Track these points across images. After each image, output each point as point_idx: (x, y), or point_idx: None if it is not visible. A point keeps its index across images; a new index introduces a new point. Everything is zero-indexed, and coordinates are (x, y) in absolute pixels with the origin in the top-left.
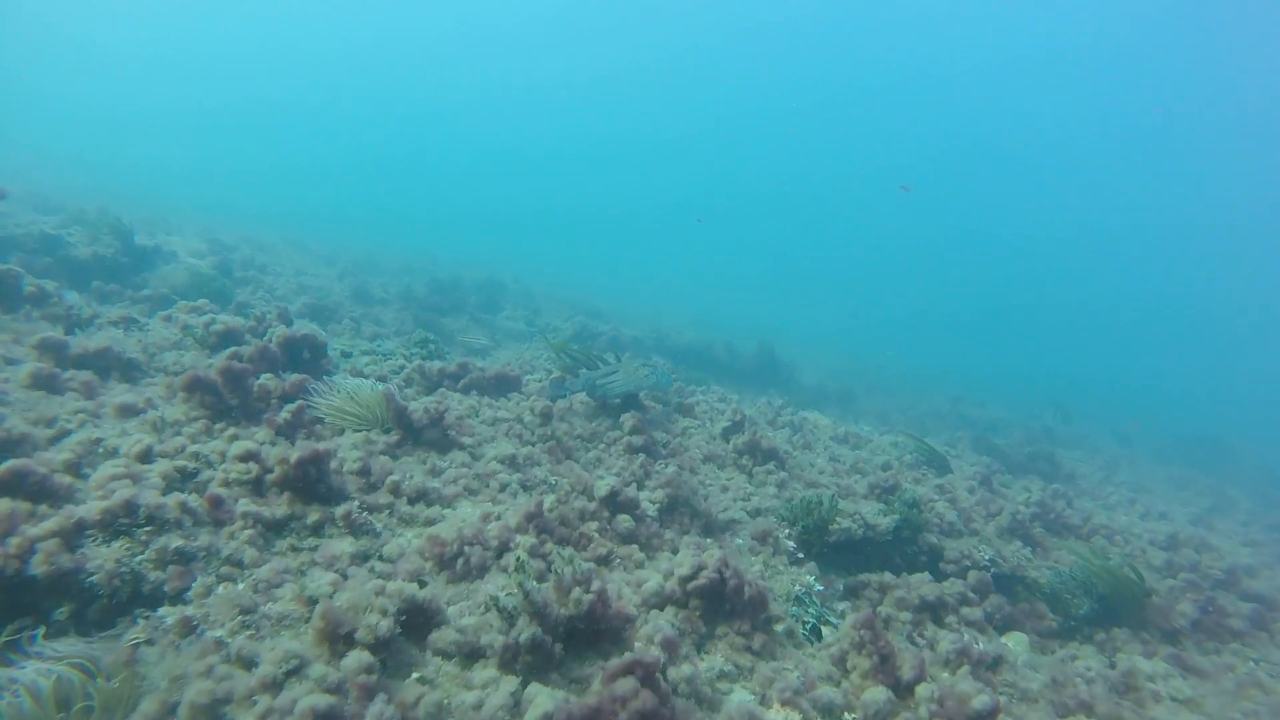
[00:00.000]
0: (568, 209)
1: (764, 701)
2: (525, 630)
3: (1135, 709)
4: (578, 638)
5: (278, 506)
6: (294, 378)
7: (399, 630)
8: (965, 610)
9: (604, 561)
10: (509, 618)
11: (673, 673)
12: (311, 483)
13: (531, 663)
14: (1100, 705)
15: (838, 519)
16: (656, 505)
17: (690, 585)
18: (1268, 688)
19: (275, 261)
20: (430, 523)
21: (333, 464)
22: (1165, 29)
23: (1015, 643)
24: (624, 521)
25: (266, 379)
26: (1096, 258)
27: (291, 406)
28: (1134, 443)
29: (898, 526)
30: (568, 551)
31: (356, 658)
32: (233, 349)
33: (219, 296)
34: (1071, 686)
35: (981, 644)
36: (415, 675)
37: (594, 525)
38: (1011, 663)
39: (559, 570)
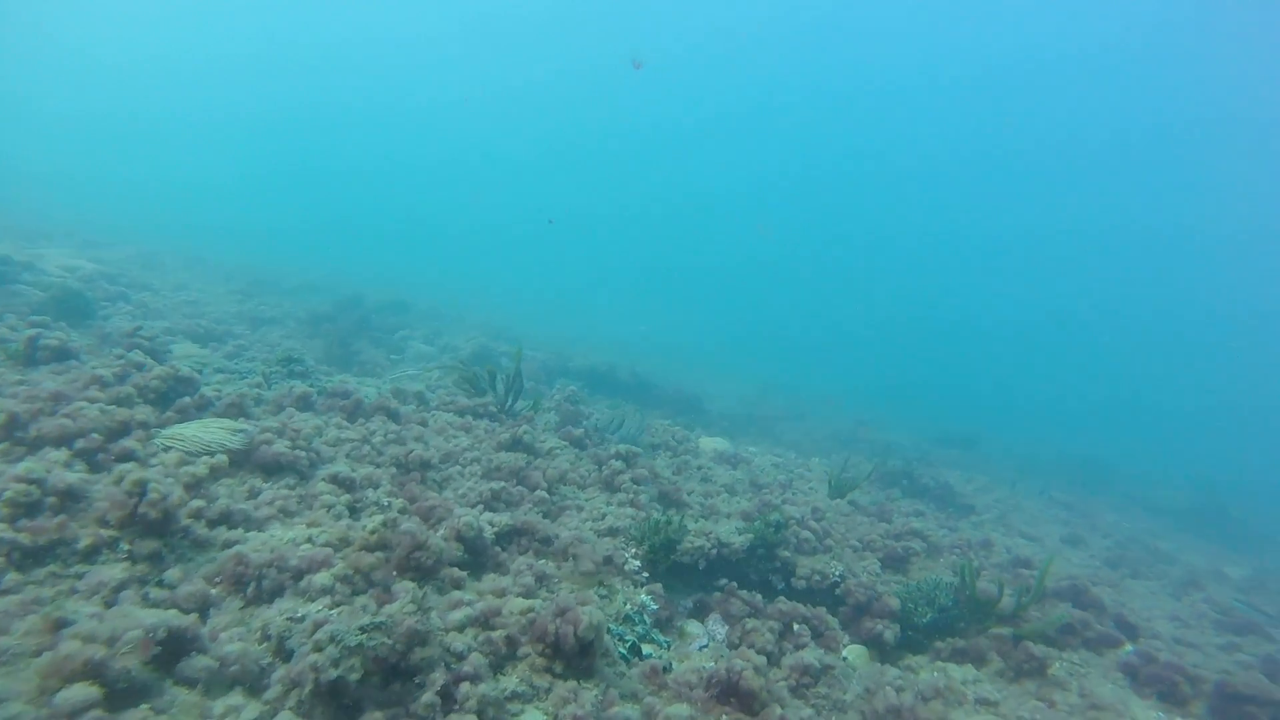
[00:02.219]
0: (476, 226)
1: None
2: (354, 673)
3: (940, 710)
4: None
5: (42, 533)
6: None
7: (144, 661)
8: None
9: (417, 582)
10: (349, 653)
11: (464, 688)
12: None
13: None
14: (906, 710)
15: (689, 538)
16: (496, 529)
17: (499, 620)
18: (1065, 686)
19: (159, 278)
20: (228, 545)
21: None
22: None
23: (854, 655)
24: (455, 549)
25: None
26: (1001, 277)
27: (97, 438)
28: (1026, 467)
29: (753, 545)
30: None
31: (79, 692)
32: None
33: (82, 314)
34: (881, 694)
35: (816, 658)
36: (144, 705)
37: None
38: (834, 674)
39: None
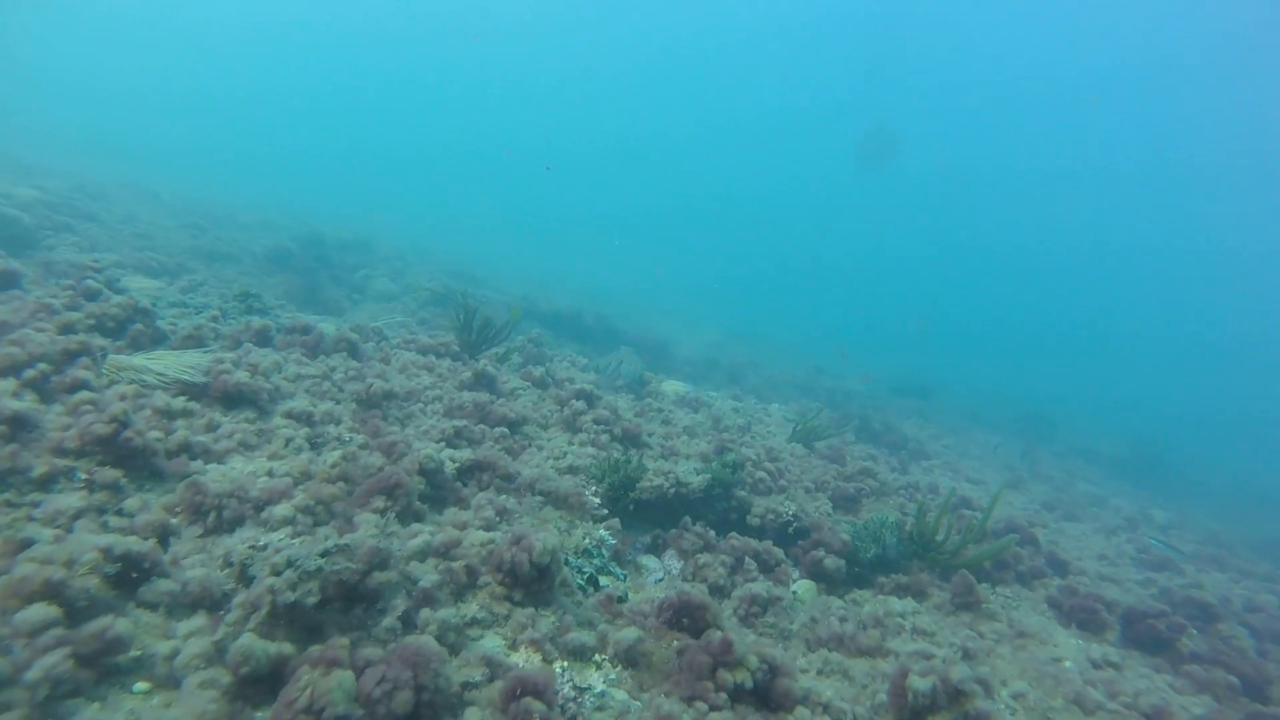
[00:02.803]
0: (439, 162)
1: (513, 646)
2: (311, 596)
3: (877, 639)
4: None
5: None
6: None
7: (101, 581)
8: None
9: (380, 513)
10: (307, 577)
11: (424, 614)
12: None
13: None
14: (847, 638)
15: (648, 477)
16: (457, 464)
17: (459, 551)
18: (997, 617)
19: (105, 209)
20: (188, 477)
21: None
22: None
23: (803, 589)
24: (417, 481)
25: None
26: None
27: (45, 367)
28: (978, 418)
29: (710, 484)
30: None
31: (38, 611)
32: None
33: (23, 243)
34: (825, 623)
35: (766, 590)
36: (107, 617)
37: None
38: (782, 605)
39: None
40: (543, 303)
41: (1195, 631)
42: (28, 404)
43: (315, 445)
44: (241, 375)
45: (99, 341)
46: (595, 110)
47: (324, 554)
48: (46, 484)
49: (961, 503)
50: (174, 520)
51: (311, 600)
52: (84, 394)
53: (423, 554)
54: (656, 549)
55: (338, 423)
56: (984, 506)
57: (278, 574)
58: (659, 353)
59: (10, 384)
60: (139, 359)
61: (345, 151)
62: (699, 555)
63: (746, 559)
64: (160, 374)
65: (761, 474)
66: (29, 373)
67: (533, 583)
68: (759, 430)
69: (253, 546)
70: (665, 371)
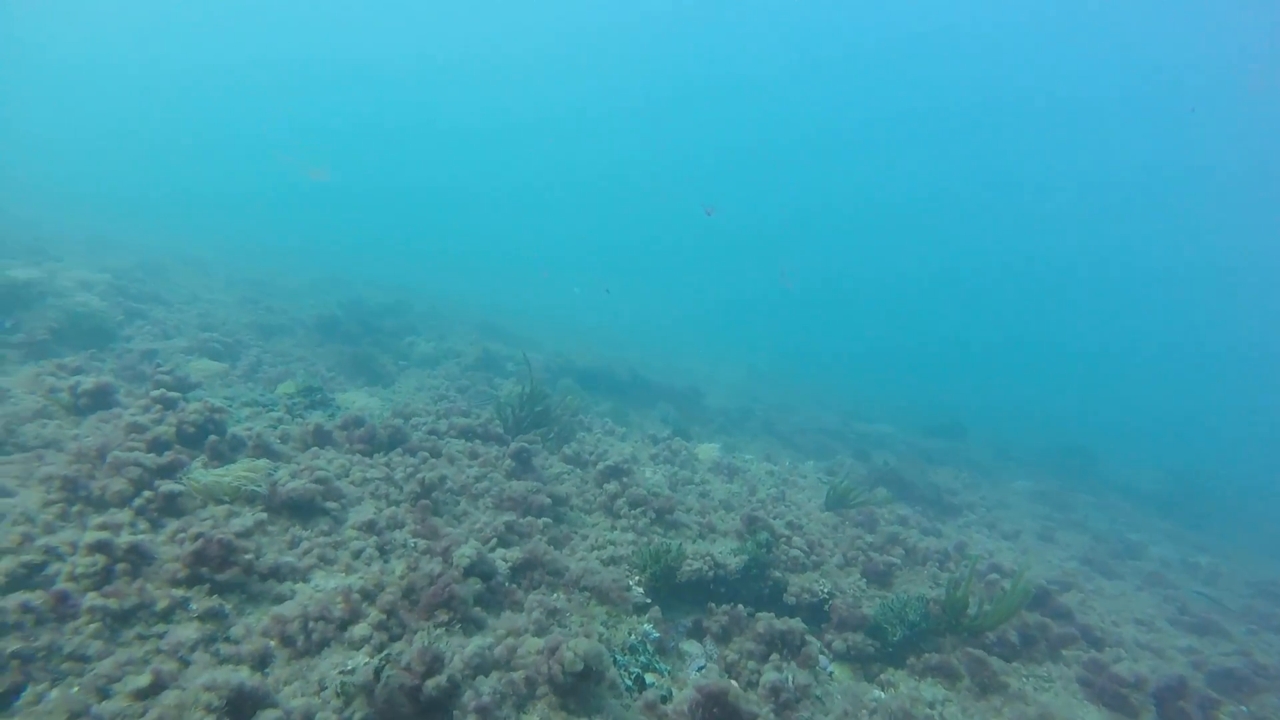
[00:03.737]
0: (462, 206)
1: None
2: (359, 713)
3: None
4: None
5: (126, 597)
6: (163, 456)
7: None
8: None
9: (444, 625)
10: (348, 698)
11: None
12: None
13: None
14: None
15: (688, 562)
16: (509, 564)
17: (518, 660)
18: (1026, 700)
19: (169, 289)
20: (280, 599)
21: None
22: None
23: (838, 670)
24: (474, 583)
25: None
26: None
27: (149, 494)
28: (1011, 455)
29: (746, 565)
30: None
31: None
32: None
33: (102, 336)
34: (856, 718)
35: (793, 678)
36: None
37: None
38: (816, 696)
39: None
40: (577, 359)
41: (1245, 709)
42: (142, 535)
43: (384, 552)
44: (298, 484)
45: (185, 455)
46: (610, 144)
47: (375, 669)
48: (168, 615)
49: (993, 568)
50: (272, 644)
51: (359, 717)
52: (182, 519)
53: (484, 666)
54: (698, 633)
55: (401, 526)
56: (1014, 571)
57: (327, 704)
58: (692, 402)
59: (126, 514)
60: (214, 476)
61: (367, 191)
62: (727, 651)
63: (779, 646)
64: (236, 488)
65: (795, 552)
66: (137, 500)
67: (577, 688)
68: (794, 497)
69: (341, 671)
70: (699, 423)
